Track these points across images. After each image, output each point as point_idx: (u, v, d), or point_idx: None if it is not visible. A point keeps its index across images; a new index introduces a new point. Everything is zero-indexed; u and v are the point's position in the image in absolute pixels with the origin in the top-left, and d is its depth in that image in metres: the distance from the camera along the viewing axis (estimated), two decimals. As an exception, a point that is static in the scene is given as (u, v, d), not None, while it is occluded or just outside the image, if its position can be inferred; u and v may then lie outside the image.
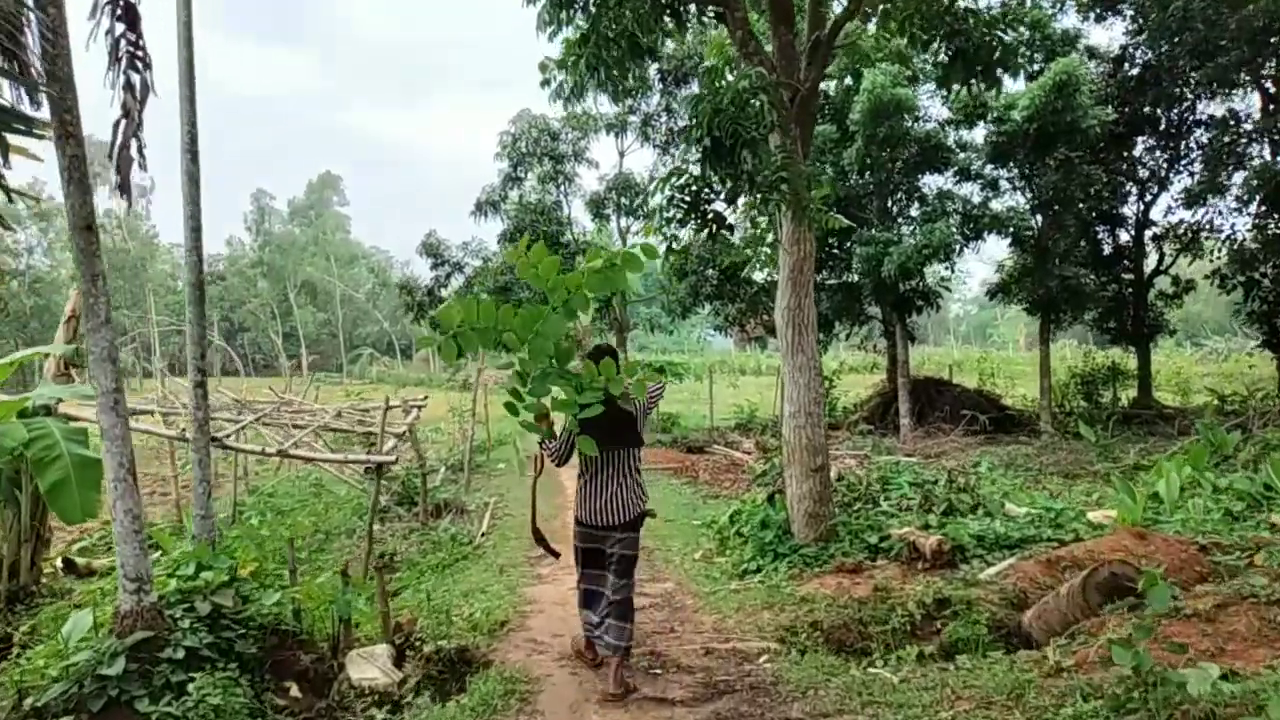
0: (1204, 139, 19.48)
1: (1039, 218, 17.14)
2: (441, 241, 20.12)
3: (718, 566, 8.00)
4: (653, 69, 18.81)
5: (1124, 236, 21.89)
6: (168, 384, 21.38)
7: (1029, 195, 17.13)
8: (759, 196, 5.97)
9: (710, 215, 6.30)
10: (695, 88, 19.05)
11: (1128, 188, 20.84)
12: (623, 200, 18.78)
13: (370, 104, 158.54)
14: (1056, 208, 16.82)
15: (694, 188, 6.15)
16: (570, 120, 18.38)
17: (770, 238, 7.65)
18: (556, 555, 5.57)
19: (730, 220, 6.56)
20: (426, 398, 12.07)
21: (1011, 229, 16.29)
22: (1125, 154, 19.82)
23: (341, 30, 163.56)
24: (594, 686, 5.01)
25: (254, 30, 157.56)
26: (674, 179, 6.19)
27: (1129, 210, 21.46)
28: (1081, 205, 17.19)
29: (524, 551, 9.40)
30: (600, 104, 18.80)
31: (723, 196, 6.24)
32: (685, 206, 6.22)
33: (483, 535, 10.48)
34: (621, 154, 19.44)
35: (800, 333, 7.27)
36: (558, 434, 4.76)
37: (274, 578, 6.02)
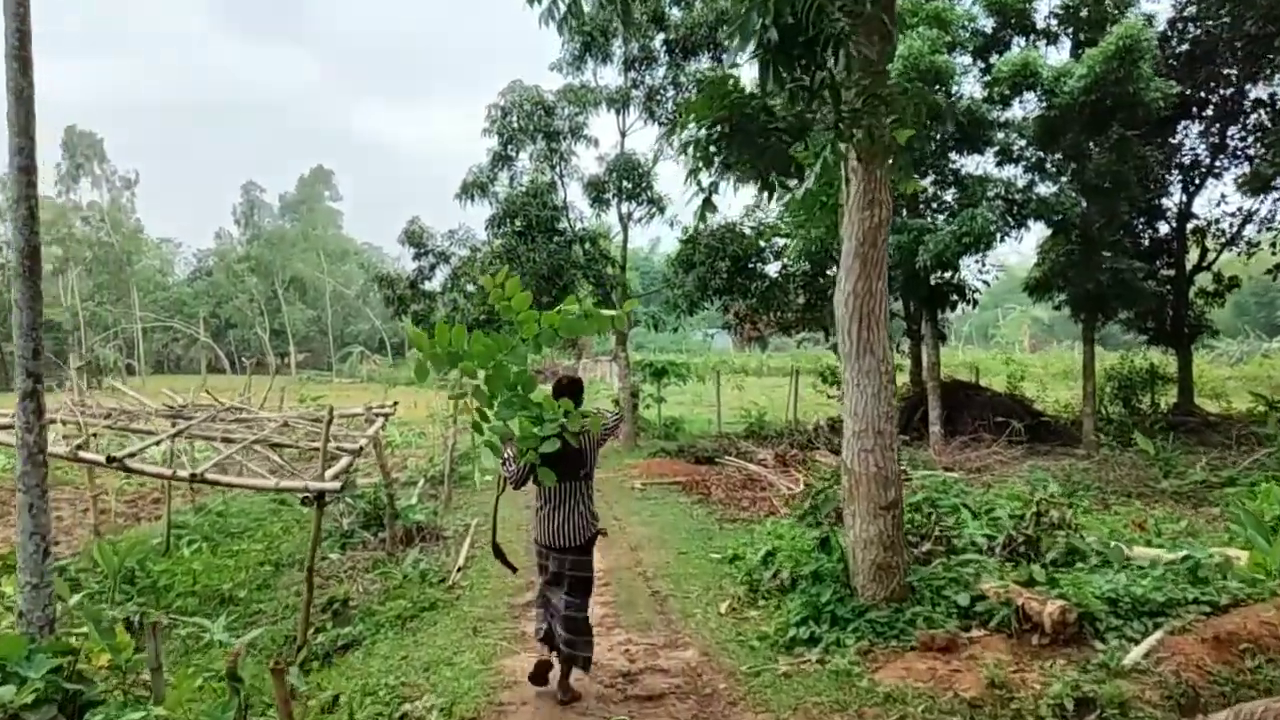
0: (1264, 120, 17.83)
1: (1084, 204, 15.39)
2: (425, 229, 18.29)
3: (753, 626, 6.23)
4: (658, 39, 17.06)
5: (1163, 229, 20.28)
6: (103, 385, 19.48)
7: (1075, 179, 15.36)
8: (841, 127, 4.18)
9: (767, 148, 4.45)
10: (704, 61, 17.29)
11: (1170, 176, 19.21)
12: (625, 184, 16.95)
13: (368, 102, 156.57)
14: (1103, 194, 15.06)
15: (749, 110, 4.33)
16: (566, 93, 16.56)
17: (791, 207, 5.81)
18: (515, 570, 5.56)
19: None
20: (396, 403, 10.30)
21: (1059, 215, 14.52)
22: (1168, 139, 18.12)
23: (341, 28, 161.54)
24: None
25: (252, 28, 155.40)
26: (719, 95, 4.34)
27: (1169, 201, 19.85)
28: (1124, 192, 15.49)
29: (506, 596, 7.64)
30: (601, 76, 17.04)
31: (784, 119, 4.42)
32: (736, 137, 4.40)
33: (459, 570, 8.70)
34: (623, 133, 17.63)
35: (869, 326, 5.50)
36: (516, 454, 4.70)
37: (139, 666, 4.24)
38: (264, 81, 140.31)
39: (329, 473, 6.60)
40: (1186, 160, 19.28)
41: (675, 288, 18.04)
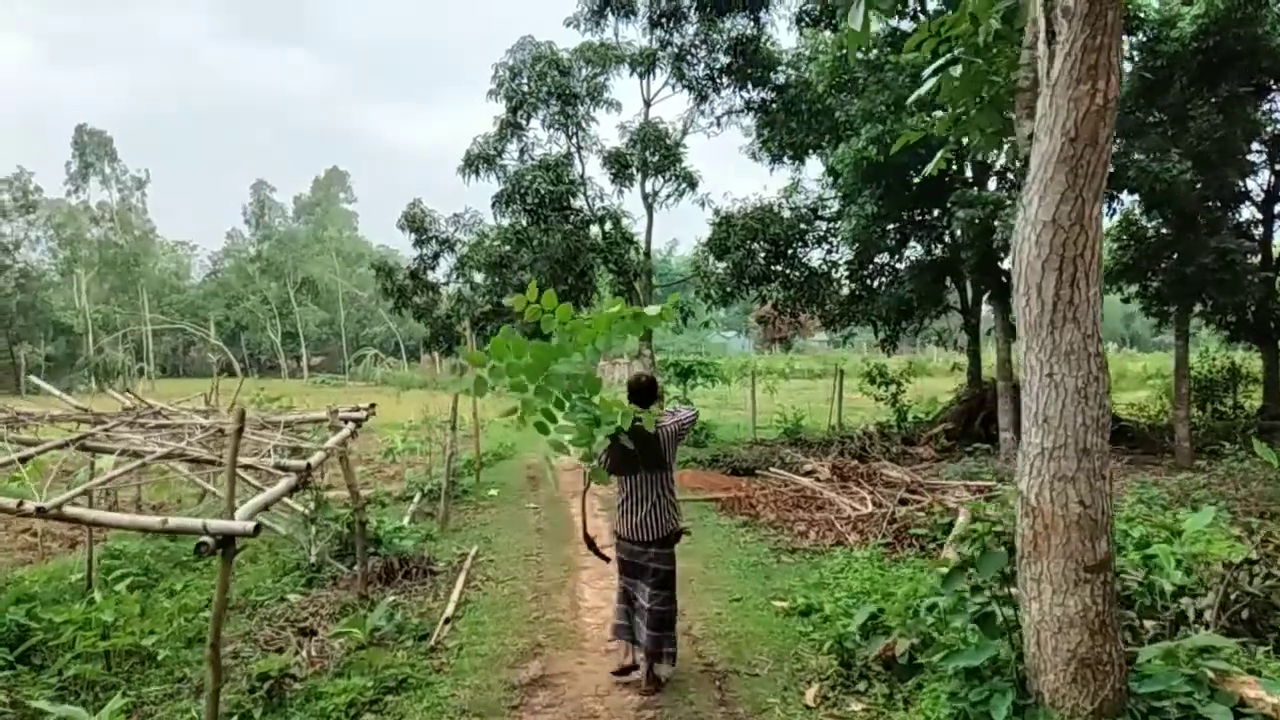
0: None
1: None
2: (427, 213, 16.32)
3: (863, 735, 4.19)
4: (688, -8, 15.04)
5: (1244, 213, 18.04)
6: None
7: (1174, 144, 13.17)
8: None
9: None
10: (740, 19, 15.23)
11: (1260, 151, 16.97)
12: (650, 157, 14.90)
13: (381, 104, 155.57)
14: (1206, 163, 12.86)
15: None
16: (584, 51, 14.51)
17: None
18: (607, 560, 5.57)
19: None
20: (373, 406, 8.33)
21: (1165, 185, 12.31)
22: (1253, 107, 15.85)
23: (353, 31, 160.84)
24: None
25: (264, 31, 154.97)
26: None
27: (1254, 182, 17.60)
28: (1232, 161, 13.33)
29: (504, 668, 5.61)
30: (623, 34, 15.01)
31: None
32: None
33: (448, 622, 6.69)
34: (648, 101, 15.59)
35: (1075, 281, 3.45)
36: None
37: None
38: (278, 86, 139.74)
39: (247, 506, 4.60)
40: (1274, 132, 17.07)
41: (705, 275, 16.00)
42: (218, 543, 4.27)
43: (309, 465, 5.67)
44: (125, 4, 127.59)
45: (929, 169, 3.94)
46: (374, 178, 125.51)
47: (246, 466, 5.83)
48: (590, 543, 5.46)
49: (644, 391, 5.06)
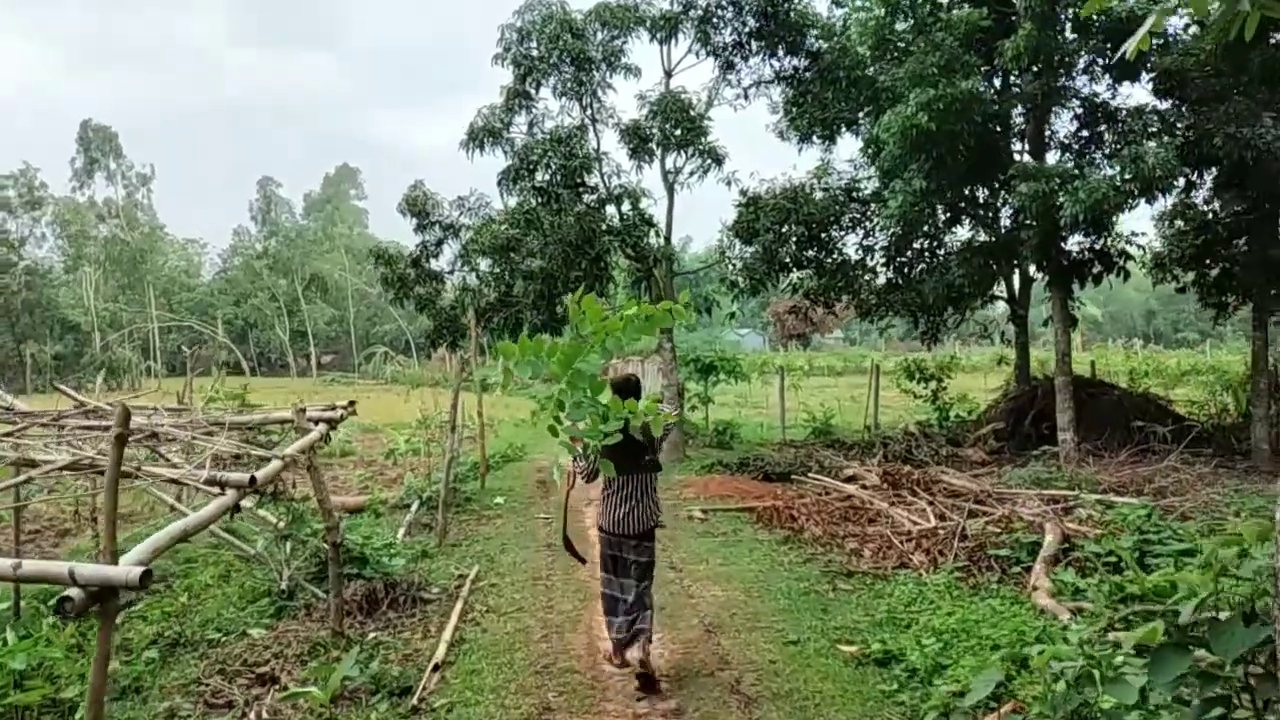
0: None
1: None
2: (429, 195, 15.02)
3: None
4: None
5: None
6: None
7: (1263, 109, 11.73)
8: None
9: None
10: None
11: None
12: (672, 131, 13.54)
13: (400, 109, 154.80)
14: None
15: None
16: (600, 12, 13.15)
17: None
18: (584, 561, 5.87)
19: None
20: (352, 404, 7.10)
21: (1253, 154, 10.89)
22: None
23: (374, 34, 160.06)
24: None
25: (281, 35, 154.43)
26: None
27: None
28: None
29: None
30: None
31: None
32: None
33: (436, 669, 5.41)
34: (669, 72, 14.23)
35: None
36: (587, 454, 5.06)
37: None
38: (295, 89, 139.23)
39: (148, 542, 3.33)
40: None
41: (730, 262, 14.68)
42: (92, 596, 3.01)
43: (253, 478, 4.39)
44: (141, 7, 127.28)
45: (1130, 45, 2.61)
46: (389, 181, 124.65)
47: (173, 480, 4.56)
48: (569, 545, 5.64)
49: (630, 390, 5.12)
